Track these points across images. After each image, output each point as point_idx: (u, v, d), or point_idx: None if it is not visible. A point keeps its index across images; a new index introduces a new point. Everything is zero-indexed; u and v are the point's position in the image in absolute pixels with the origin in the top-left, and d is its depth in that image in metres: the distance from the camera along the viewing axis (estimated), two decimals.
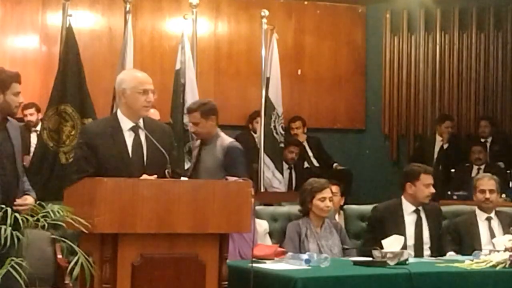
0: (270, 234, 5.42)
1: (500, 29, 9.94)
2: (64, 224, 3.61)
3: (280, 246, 5.07)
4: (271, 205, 6.90)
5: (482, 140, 9.35)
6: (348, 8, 10.27)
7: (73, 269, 3.43)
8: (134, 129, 4.22)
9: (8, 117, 4.33)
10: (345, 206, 6.33)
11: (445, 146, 9.48)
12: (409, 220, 5.54)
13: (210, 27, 9.69)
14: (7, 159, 4.28)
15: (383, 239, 4.93)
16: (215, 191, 3.94)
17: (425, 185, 5.55)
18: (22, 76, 4.37)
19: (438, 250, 5.51)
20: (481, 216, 5.79)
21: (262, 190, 8.04)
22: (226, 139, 5.67)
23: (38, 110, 8.18)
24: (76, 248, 3.47)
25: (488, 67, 9.99)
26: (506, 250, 4.74)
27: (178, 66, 7.59)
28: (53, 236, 5.08)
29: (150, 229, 3.78)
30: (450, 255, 5.42)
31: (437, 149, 9.47)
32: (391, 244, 4.83)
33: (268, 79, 8.39)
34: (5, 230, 3.31)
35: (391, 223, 5.45)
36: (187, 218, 3.83)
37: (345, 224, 5.85)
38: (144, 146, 4.21)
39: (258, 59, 8.50)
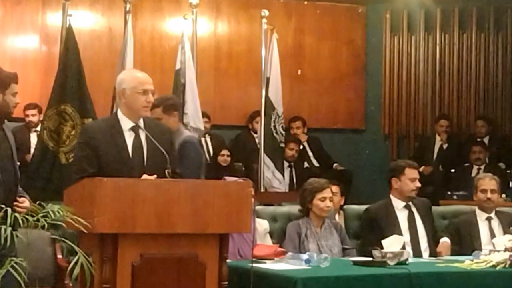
0: (270, 234, 5.42)
1: (500, 29, 9.95)
2: (64, 224, 3.61)
3: (280, 246, 5.07)
4: (271, 205, 6.90)
5: (479, 140, 9.35)
6: (348, 8, 10.28)
7: (73, 269, 3.43)
8: (134, 129, 4.22)
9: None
10: (345, 206, 6.33)
11: (445, 146, 9.49)
12: (402, 216, 5.56)
13: (210, 27, 9.69)
14: (6, 159, 4.28)
15: (380, 239, 4.94)
16: (215, 191, 3.93)
17: (410, 179, 5.57)
18: (22, 76, 4.38)
19: (434, 241, 5.55)
20: (481, 216, 5.80)
21: (262, 190, 8.05)
22: (184, 135, 5.48)
23: (40, 111, 8.17)
24: (76, 248, 3.46)
25: (488, 67, 10.00)
26: (506, 250, 4.74)
27: (178, 66, 7.59)
28: (53, 236, 5.08)
29: (150, 229, 3.78)
30: (444, 241, 5.46)
31: (436, 149, 9.48)
32: (391, 244, 4.84)
33: (268, 79, 8.40)
34: (5, 230, 3.31)
35: (385, 222, 5.48)
36: (187, 218, 3.83)
37: (345, 224, 5.85)
38: (144, 146, 4.20)
39: (258, 59, 8.51)
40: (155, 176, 4.03)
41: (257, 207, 5.60)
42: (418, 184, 5.59)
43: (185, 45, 7.60)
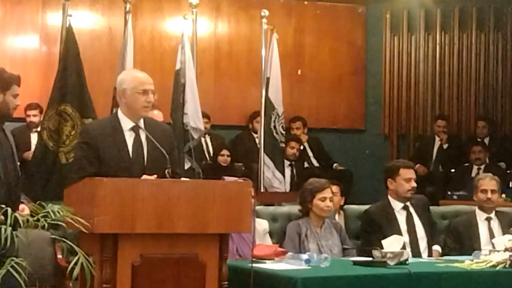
0: (270, 234, 5.42)
1: (500, 29, 9.95)
2: (64, 224, 3.61)
3: (280, 246, 5.07)
4: (271, 205, 6.90)
5: (479, 140, 9.36)
6: (348, 8, 10.28)
7: (73, 269, 3.43)
8: (135, 129, 4.22)
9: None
10: (345, 206, 6.33)
11: (445, 146, 9.50)
12: (401, 218, 5.55)
13: (210, 27, 9.69)
14: (8, 159, 4.29)
15: (380, 241, 4.93)
16: (215, 191, 3.93)
17: (405, 180, 5.55)
18: (22, 76, 4.38)
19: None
20: (480, 216, 5.80)
21: (262, 190, 8.05)
22: None
23: (41, 111, 8.17)
24: (76, 248, 3.47)
25: (488, 67, 10.00)
26: (506, 250, 4.74)
27: (178, 66, 7.59)
28: (53, 236, 5.07)
29: (150, 229, 3.78)
30: (435, 249, 5.47)
31: (436, 149, 9.48)
32: (391, 244, 4.83)
33: (268, 79, 8.40)
34: (5, 230, 3.31)
35: (384, 224, 5.45)
36: (187, 218, 3.83)
37: (345, 224, 5.85)
38: (144, 146, 4.20)
39: (258, 59, 8.52)
40: (155, 176, 4.03)
41: (257, 207, 5.60)
42: (414, 184, 5.56)
43: (185, 45, 7.59)
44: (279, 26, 8.90)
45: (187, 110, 7.52)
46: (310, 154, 9.51)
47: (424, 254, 5.45)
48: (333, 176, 7.88)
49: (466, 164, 8.90)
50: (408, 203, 5.60)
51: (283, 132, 8.51)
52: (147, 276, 3.78)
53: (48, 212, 3.44)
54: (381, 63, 10.26)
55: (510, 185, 8.14)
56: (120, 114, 4.25)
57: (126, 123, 4.22)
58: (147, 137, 4.20)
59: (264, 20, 8.39)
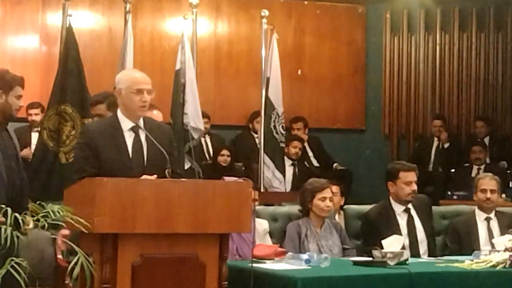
0: (270, 234, 5.42)
1: (500, 29, 9.95)
2: (64, 224, 3.61)
3: (280, 246, 5.07)
4: (271, 205, 6.90)
5: (479, 140, 9.36)
6: (348, 8, 10.28)
7: (73, 269, 3.43)
8: (134, 129, 4.21)
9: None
10: (345, 206, 6.32)
11: (446, 145, 9.50)
12: (402, 220, 5.52)
13: (210, 27, 9.69)
14: (12, 159, 4.31)
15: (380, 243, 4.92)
16: (215, 191, 3.93)
17: (405, 183, 5.49)
18: (23, 76, 4.39)
19: (432, 245, 5.52)
20: (480, 216, 5.79)
21: (262, 190, 8.05)
22: None
23: (43, 110, 8.17)
24: (76, 248, 3.46)
25: (488, 67, 10.00)
26: (506, 250, 4.74)
27: (178, 66, 7.60)
28: (53, 236, 5.07)
29: (150, 229, 3.77)
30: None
31: (434, 149, 9.47)
32: (391, 244, 4.83)
33: (268, 79, 8.41)
34: (5, 230, 3.30)
35: (385, 227, 5.40)
36: (187, 218, 3.83)
37: (345, 224, 5.84)
38: (144, 146, 4.20)
39: (258, 59, 8.52)
40: (155, 176, 4.03)
41: (257, 207, 5.60)
42: (414, 187, 5.51)
43: (185, 45, 7.60)
44: (279, 26, 8.90)
45: (187, 110, 7.52)
46: (310, 154, 9.51)
47: (424, 256, 5.43)
48: (333, 176, 7.89)
49: (466, 164, 8.90)
50: (409, 205, 5.56)
51: (283, 132, 8.52)
52: (147, 276, 3.78)
53: (48, 212, 3.43)
54: (381, 63, 10.26)
55: (510, 185, 8.14)
56: (119, 114, 4.25)
57: (126, 123, 4.21)
58: (146, 137, 4.20)
59: (264, 20, 8.40)
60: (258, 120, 8.64)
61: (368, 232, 5.49)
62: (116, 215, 3.70)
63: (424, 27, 10.16)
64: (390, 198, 5.58)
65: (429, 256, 5.44)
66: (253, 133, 9.32)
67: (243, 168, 8.68)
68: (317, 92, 10.10)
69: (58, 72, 7.06)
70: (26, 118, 8.22)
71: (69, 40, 7.09)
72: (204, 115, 8.14)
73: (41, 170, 6.82)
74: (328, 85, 10.15)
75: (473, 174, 8.39)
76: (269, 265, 4.50)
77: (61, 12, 7.37)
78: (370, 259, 4.65)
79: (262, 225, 5.34)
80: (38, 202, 3.55)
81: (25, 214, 3.41)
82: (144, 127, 4.22)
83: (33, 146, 7.76)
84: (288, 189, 8.51)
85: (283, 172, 8.51)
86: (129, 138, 4.20)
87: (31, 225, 3.93)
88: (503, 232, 5.49)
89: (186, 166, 7.41)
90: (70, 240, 3.69)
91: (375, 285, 4.29)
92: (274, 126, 8.39)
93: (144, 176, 4.01)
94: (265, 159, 8.28)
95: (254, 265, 4.25)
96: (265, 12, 8.43)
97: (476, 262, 4.67)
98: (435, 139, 9.57)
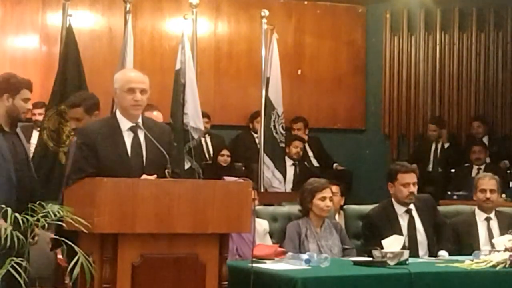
0: (270, 234, 5.42)
1: (500, 29, 9.95)
2: (64, 224, 3.61)
3: (280, 246, 5.07)
4: (271, 205, 6.90)
5: (477, 140, 9.36)
6: (348, 8, 10.28)
7: (73, 269, 3.43)
8: (133, 129, 4.21)
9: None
10: (345, 206, 6.32)
11: (446, 145, 9.50)
12: (403, 221, 5.51)
13: (210, 27, 9.69)
14: (22, 162, 4.33)
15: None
16: (215, 191, 3.93)
17: (403, 185, 5.47)
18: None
19: (433, 248, 5.49)
20: (480, 216, 5.79)
21: (262, 190, 8.05)
22: None
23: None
24: (76, 248, 3.46)
25: (488, 67, 10.00)
26: (506, 250, 4.74)
27: (178, 66, 7.59)
28: (53, 236, 5.07)
29: (150, 229, 3.78)
30: (441, 255, 5.38)
31: (433, 149, 9.47)
32: (391, 244, 4.83)
33: (268, 79, 8.41)
34: (8, 230, 3.30)
35: (386, 227, 5.38)
36: (187, 218, 3.83)
37: (345, 224, 5.84)
38: (143, 146, 4.20)
39: (258, 59, 8.52)
40: (155, 176, 4.02)
41: (257, 207, 5.60)
42: (412, 189, 5.47)
43: (185, 45, 7.60)
44: (279, 26, 8.90)
45: (187, 110, 7.52)
46: (310, 154, 9.51)
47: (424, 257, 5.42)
48: (333, 176, 7.89)
49: (467, 164, 8.90)
50: (411, 206, 5.54)
51: (283, 132, 8.52)
52: (147, 276, 3.78)
53: (48, 212, 3.43)
54: (381, 63, 10.26)
55: (510, 185, 8.13)
56: (118, 114, 4.25)
57: (125, 123, 4.21)
58: (145, 137, 4.19)
59: (264, 20, 8.40)
60: (258, 120, 8.64)
61: (369, 232, 5.48)
62: (116, 215, 3.70)
63: (424, 27, 10.15)
64: (392, 199, 5.58)
65: (430, 256, 5.43)
66: (253, 133, 9.32)
67: (243, 168, 8.68)
68: (317, 92, 10.10)
69: (58, 72, 7.06)
70: (30, 118, 8.22)
71: (69, 40, 7.09)
72: (204, 115, 8.13)
73: (41, 170, 6.82)
74: (328, 85, 10.15)
75: (473, 174, 8.38)
76: (269, 265, 4.50)
77: (61, 12, 7.37)
78: (370, 259, 4.65)
79: (262, 225, 5.34)
80: (38, 202, 3.56)
81: (34, 216, 3.41)
82: (142, 127, 4.21)
83: (33, 146, 7.75)
84: (288, 189, 8.51)
85: (283, 172, 8.51)
86: (128, 138, 4.19)
87: (36, 231, 3.96)
88: (503, 232, 5.48)
89: (186, 166, 7.41)
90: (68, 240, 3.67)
91: (375, 285, 4.29)
92: (274, 126, 8.39)
93: (144, 176, 4.01)
94: (265, 159, 8.28)
95: (254, 265, 4.25)
96: (265, 12, 8.43)
97: (476, 262, 4.67)
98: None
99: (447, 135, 9.56)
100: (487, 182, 5.82)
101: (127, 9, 7.51)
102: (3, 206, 3.42)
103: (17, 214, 3.40)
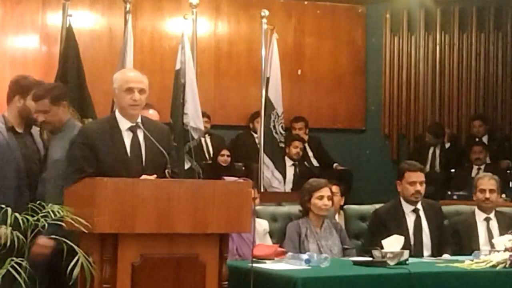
0: (270, 234, 5.42)
1: (500, 29, 9.95)
2: (64, 224, 3.61)
3: (280, 246, 5.07)
4: (271, 205, 6.90)
5: (477, 139, 9.35)
6: (348, 8, 10.28)
7: (73, 269, 3.43)
8: (132, 129, 4.21)
9: None
10: (345, 206, 6.33)
11: (446, 145, 9.50)
12: (410, 220, 5.52)
13: (210, 27, 9.69)
14: (34, 163, 4.35)
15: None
16: (215, 191, 3.93)
17: (409, 183, 5.51)
18: (42, 80, 4.43)
19: (437, 250, 5.49)
20: (480, 217, 5.79)
21: (262, 190, 8.05)
22: (77, 128, 4.63)
23: None
24: (76, 248, 3.46)
25: (488, 67, 10.00)
26: (506, 250, 4.74)
27: (178, 66, 7.59)
28: (53, 236, 5.07)
29: (150, 229, 3.77)
30: (445, 257, 5.38)
31: (431, 150, 9.45)
32: (391, 244, 4.83)
33: (268, 79, 8.41)
34: (9, 232, 3.31)
35: (393, 225, 5.40)
36: (187, 218, 3.83)
37: (345, 224, 5.85)
38: (142, 146, 4.20)
39: (258, 59, 8.52)
40: (155, 176, 4.03)
41: (257, 207, 5.60)
42: (418, 188, 5.51)
43: (185, 45, 7.60)
44: (279, 26, 8.90)
45: (187, 110, 7.51)
46: (310, 154, 9.51)
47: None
48: (333, 176, 7.88)
49: (467, 164, 8.90)
50: (419, 206, 5.56)
51: (283, 132, 8.52)
52: (147, 276, 3.78)
53: (48, 212, 3.43)
54: (381, 63, 10.26)
55: (510, 185, 8.13)
56: (117, 114, 4.25)
57: (124, 123, 4.21)
58: (145, 137, 4.19)
59: (264, 20, 8.40)
60: (258, 120, 8.64)
61: (376, 229, 5.48)
62: (116, 215, 3.70)
63: (424, 27, 10.15)
64: (400, 197, 5.59)
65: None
66: (253, 133, 9.32)
67: (243, 168, 8.67)
68: (317, 92, 10.10)
69: (58, 72, 7.06)
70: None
71: (69, 40, 7.09)
72: (204, 115, 8.14)
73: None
74: (328, 85, 10.15)
75: (473, 174, 8.38)
76: (269, 265, 4.50)
77: (61, 12, 7.37)
78: (370, 259, 4.65)
79: (262, 225, 5.35)
80: (38, 202, 3.56)
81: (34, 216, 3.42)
82: (142, 127, 4.21)
83: None
84: (288, 189, 8.51)
85: (283, 172, 8.51)
86: (127, 138, 4.19)
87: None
88: (502, 232, 5.48)
89: (186, 166, 7.41)
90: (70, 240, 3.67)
91: (375, 285, 4.29)
92: (274, 126, 8.40)
93: (144, 176, 4.01)
94: (264, 159, 8.28)
95: (254, 265, 4.25)
96: (265, 12, 8.43)
97: (476, 262, 4.67)
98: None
99: (446, 136, 9.55)
100: (487, 182, 5.82)
101: (127, 9, 7.51)
102: (2, 206, 3.42)
103: (17, 214, 3.40)
